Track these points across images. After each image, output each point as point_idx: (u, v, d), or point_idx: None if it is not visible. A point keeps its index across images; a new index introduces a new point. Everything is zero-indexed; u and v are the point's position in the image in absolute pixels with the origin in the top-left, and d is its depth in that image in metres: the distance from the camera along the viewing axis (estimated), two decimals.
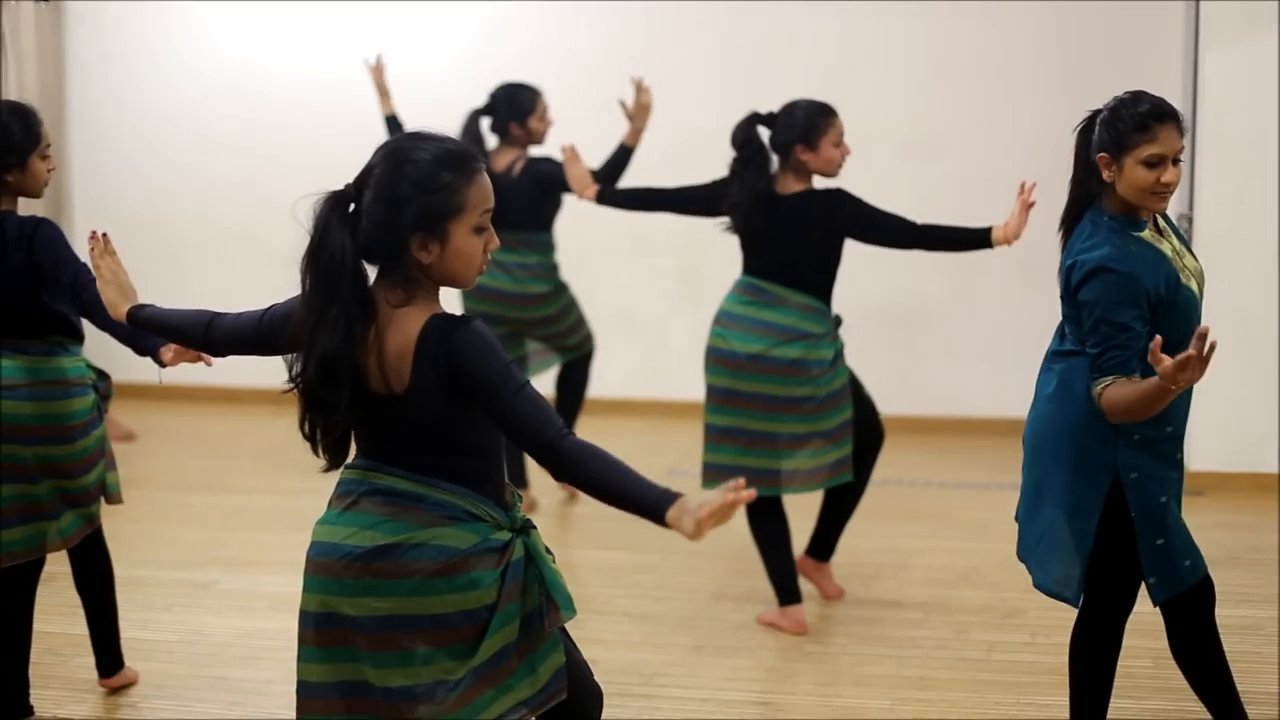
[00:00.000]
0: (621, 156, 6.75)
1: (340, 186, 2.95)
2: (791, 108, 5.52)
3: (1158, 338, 3.36)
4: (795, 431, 5.49)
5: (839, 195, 5.48)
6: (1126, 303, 3.62)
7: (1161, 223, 3.85)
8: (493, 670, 2.96)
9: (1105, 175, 3.74)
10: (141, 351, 4.34)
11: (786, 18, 9.13)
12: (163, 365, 4.29)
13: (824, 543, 5.90)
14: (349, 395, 2.92)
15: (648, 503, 2.76)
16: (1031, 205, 5.18)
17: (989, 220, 5.32)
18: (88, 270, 4.36)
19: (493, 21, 9.51)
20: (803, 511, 6.07)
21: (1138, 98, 3.73)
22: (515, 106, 7.06)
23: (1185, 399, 3.72)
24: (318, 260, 2.89)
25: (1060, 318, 3.88)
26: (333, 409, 2.93)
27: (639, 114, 6.69)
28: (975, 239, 5.34)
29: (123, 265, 3.60)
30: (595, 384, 8.40)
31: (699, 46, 9.19)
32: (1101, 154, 3.74)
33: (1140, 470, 3.76)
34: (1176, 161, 3.70)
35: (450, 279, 2.97)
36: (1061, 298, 3.83)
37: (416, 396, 2.90)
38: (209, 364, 4.14)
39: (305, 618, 3.06)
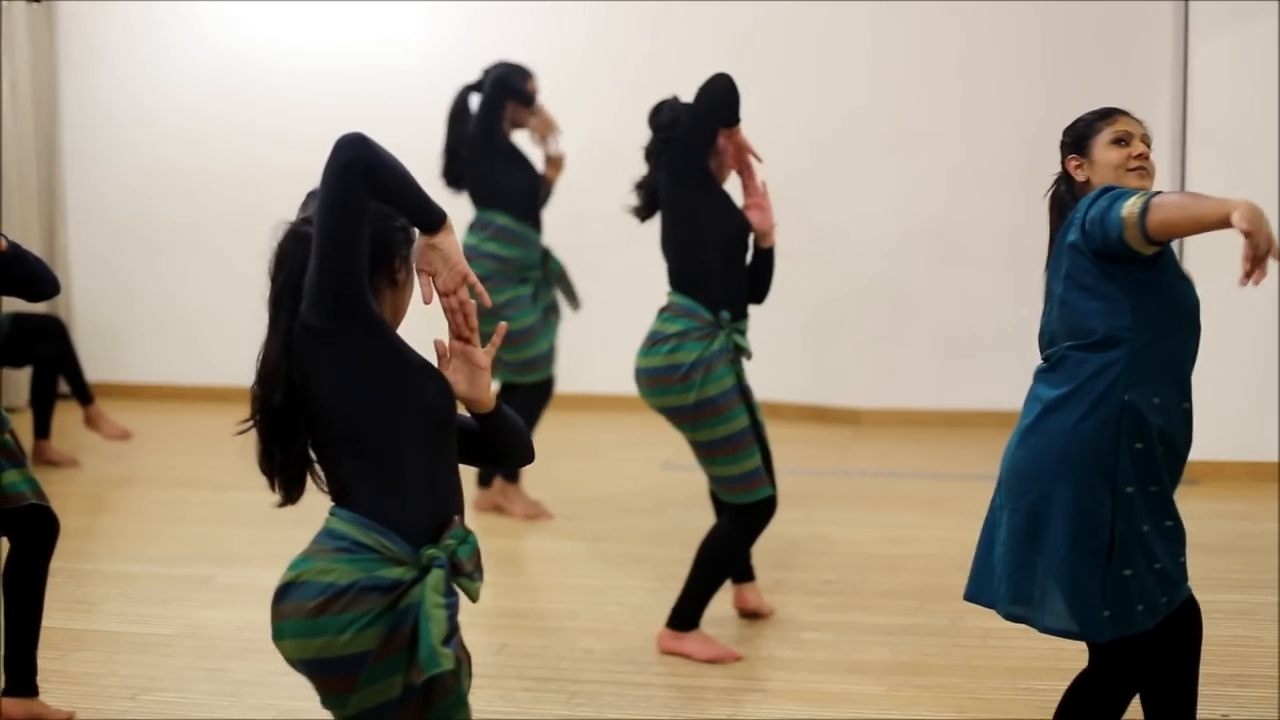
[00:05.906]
0: None
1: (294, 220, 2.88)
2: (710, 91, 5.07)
3: None
4: (689, 440, 5.23)
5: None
6: None
7: None
8: None
9: (1078, 176, 3.66)
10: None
11: (774, 11, 9.14)
12: None
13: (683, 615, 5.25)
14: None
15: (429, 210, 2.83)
16: None
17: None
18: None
19: (486, 18, 9.52)
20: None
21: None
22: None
23: (1182, 421, 3.53)
24: (295, 292, 2.78)
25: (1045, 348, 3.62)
26: (295, 433, 2.80)
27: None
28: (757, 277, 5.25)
29: None
30: (587, 379, 8.41)
31: (684, 40, 9.17)
32: (1069, 157, 3.69)
33: (1136, 486, 3.45)
34: (1145, 142, 3.64)
35: (398, 311, 2.93)
36: (1065, 249, 3.53)
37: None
38: None
39: None
